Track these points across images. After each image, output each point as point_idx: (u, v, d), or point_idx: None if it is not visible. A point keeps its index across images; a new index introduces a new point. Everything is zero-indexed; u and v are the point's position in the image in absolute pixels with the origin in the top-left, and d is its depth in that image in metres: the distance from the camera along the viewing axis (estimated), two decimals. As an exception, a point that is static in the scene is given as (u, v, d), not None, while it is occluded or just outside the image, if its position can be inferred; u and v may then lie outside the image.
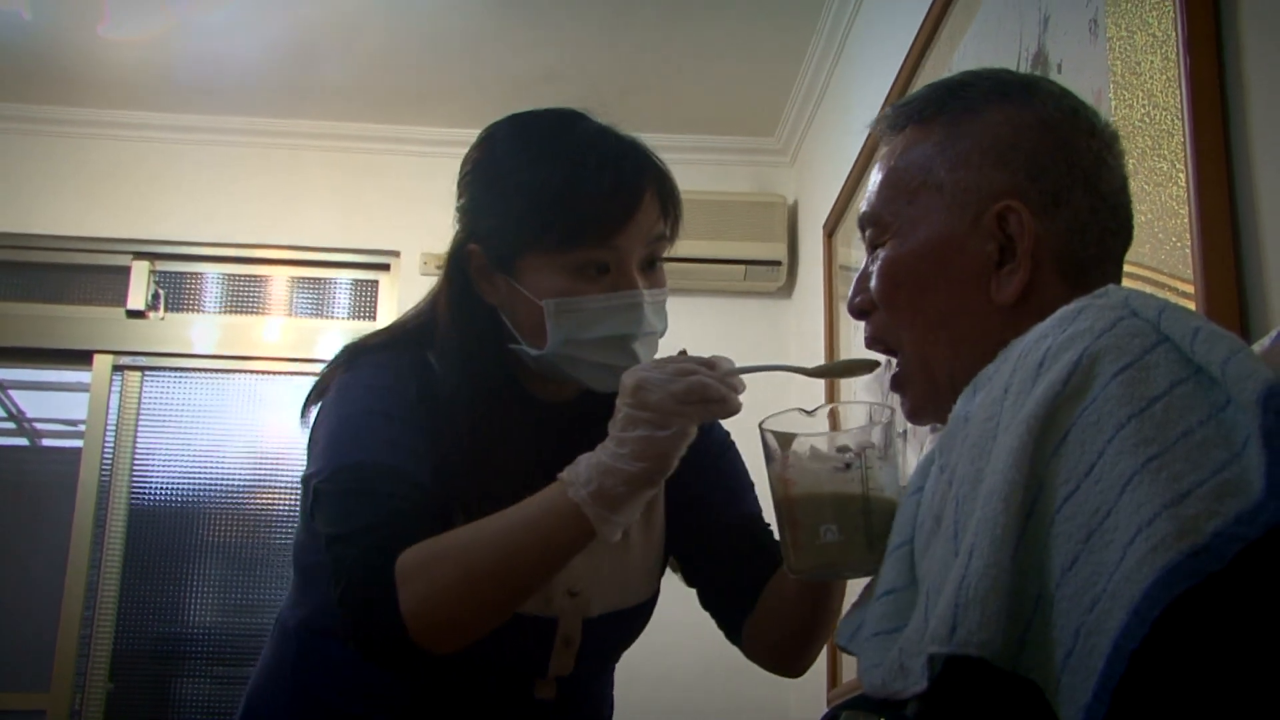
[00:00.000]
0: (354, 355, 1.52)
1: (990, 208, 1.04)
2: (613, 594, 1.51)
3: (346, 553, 1.32)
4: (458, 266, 1.48)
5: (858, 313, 1.14)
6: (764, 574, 1.50)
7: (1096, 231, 1.05)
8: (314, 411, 1.51)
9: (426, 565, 1.28)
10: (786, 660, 1.54)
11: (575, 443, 1.35)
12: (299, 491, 1.53)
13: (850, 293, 1.15)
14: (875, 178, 1.13)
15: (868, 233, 1.12)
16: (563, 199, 1.39)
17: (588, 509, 1.25)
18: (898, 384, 1.12)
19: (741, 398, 1.30)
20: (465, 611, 1.29)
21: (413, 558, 1.29)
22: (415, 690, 1.45)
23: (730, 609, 1.55)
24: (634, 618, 1.55)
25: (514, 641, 1.43)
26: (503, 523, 1.29)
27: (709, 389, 1.26)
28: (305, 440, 1.52)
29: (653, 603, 1.57)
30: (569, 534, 1.27)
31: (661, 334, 1.49)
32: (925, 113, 1.11)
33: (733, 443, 1.64)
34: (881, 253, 1.10)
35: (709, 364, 1.29)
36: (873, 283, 1.10)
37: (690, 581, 1.61)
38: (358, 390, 1.46)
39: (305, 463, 1.49)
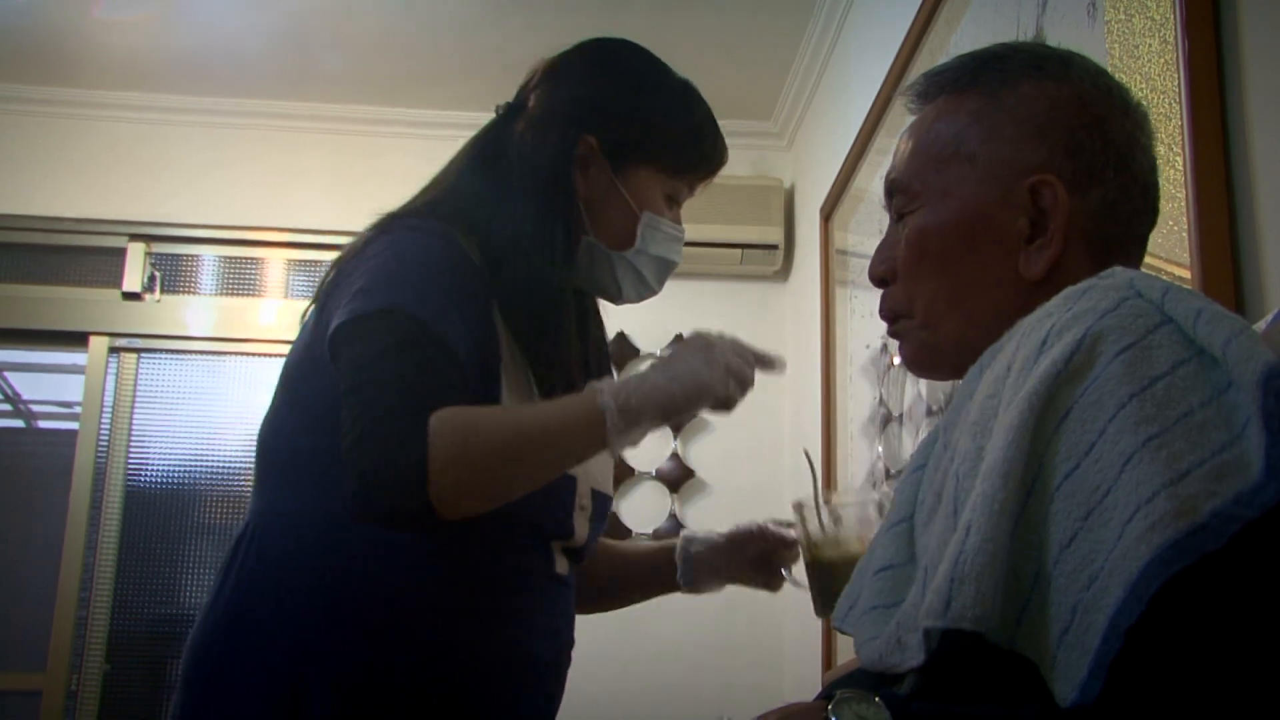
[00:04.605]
0: (393, 220, 1.54)
1: (1023, 182, 1.03)
2: (601, 477, 1.62)
3: (379, 399, 1.33)
4: (564, 149, 1.56)
5: (878, 280, 1.13)
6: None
7: (1127, 211, 1.05)
8: (335, 276, 1.52)
9: (460, 429, 1.32)
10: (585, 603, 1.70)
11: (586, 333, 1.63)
12: (286, 377, 1.53)
13: (872, 260, 1.13)
14: (904, 146, 1.11)
15: (894, 200, 1.11)
16: (699, 139, 1.63)
17: (610, 418, 1.35)
18: (896, 334, 1.11)
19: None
20: (485, 480, 1.35)
21: (448, 418, 1.32)
22: (443, 560, 1.44)
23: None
24: (609, 505, 1.66)
25: (545, 495, 1.46)
26: (537, 412, 1.41)
27: (748, 381, 1.44)
28: (314, 308, 1.52)
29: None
30: (588, 438, 1.37)
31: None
32: (959, 83, 1.09)
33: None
34: (909, 221, 1.08)
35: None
36: (901, 251, 1.09)
37: None
38: (404, 249, 1.47)
39: (314, 325, 1.49)
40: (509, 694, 1.47)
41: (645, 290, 1.65)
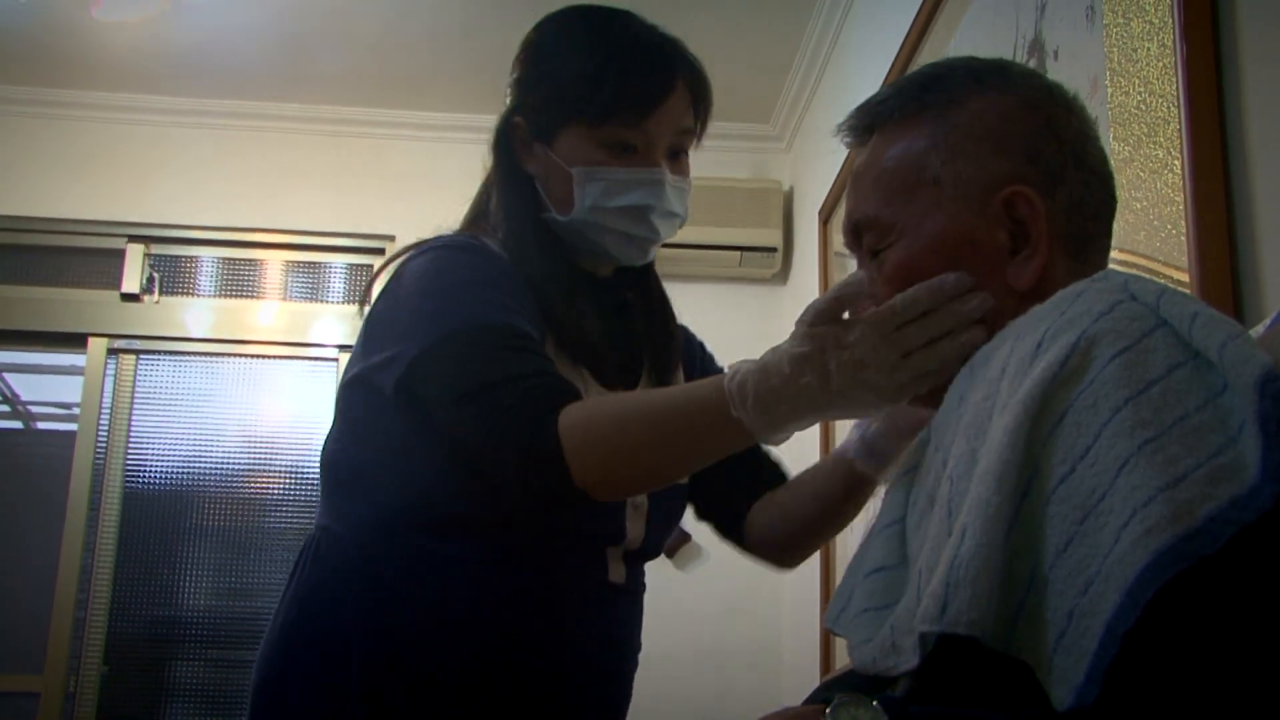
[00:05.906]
0: (425, 242, 1.55)
1: (996, 196, 1.02)
2: None
3: (502, 400, 1.32)
4: (504, 137, 1.58)
5: None
6: (757, 474, 1.65)
7: (1093, 205, 1.05)
8: (377, 299, 1.52)
9: (589, 426, 1.30)
10: (786, 555, 1.66)
11: (625, 317, 1.58)
12: (340, 396, 1.54)
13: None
14: (862, 182, 1.10)
15: (865, 238, 1.10)
16: (603, 78, 1.50)
17: (747, 419, 1.21)
18: None
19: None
20: (625, 473, 1.33)
21: (578, 413, 1.30)
22: (486, 572, 1.44)
23: (727, 511, 1.66)
24: (680, 498, 1.62)
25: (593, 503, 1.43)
26: (663, 403, 1.32)
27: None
28: (360, 334, 1.52)
29: (688, 494, 1.65)
30: (725, 437, 1.27)
31: (682, 221, 1.57)
32: (905, 110, 1.09)
33: (711, 353, 1.75)
34: (888, 256, 1.07)
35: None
36: (881, 288, 1.08)
37: (690, 493, 1.66)
38: (446, 264, 1.48)
39: (363, 352, 1.48)
40: (558, 705, 1.47)
41: (640, 242, 1.54)
